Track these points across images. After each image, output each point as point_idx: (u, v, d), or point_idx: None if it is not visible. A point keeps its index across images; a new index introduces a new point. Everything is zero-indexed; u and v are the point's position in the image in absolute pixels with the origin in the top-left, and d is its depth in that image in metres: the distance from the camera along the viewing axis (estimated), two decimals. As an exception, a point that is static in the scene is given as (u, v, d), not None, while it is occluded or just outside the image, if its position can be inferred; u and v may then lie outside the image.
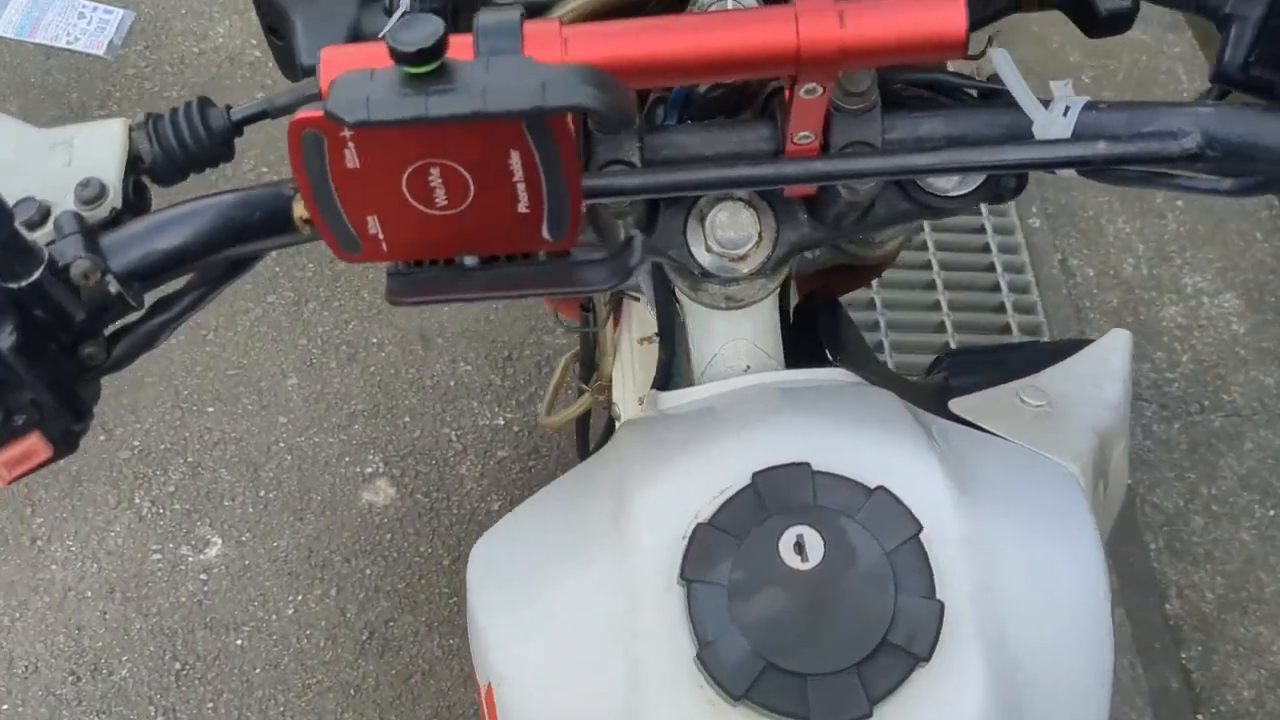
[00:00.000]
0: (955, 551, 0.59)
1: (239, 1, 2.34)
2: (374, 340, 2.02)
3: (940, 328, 2.17)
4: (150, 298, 0.64)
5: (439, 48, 0.46)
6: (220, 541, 1.83)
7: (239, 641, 1.76)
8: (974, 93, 0.63)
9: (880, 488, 0.59)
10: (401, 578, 1.82)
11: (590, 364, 1.43)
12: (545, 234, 0.55)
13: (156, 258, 0.60)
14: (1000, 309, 2.22)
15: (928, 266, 2.24)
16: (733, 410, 0.71)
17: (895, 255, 1.04)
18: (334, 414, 1.95)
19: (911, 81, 0.63)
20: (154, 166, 0.65)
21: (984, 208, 2.35)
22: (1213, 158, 0.55)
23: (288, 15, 0.70)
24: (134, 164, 0.65)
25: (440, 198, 0.53)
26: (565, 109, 0.47)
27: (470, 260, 0.60)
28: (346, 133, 0.49)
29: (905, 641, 0.56)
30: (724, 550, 0.58)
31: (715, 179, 0.60)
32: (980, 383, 0.82)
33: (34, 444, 0.59)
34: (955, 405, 0.76)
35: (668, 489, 0.63)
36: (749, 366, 0.75)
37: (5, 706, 1.69)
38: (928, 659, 0.56)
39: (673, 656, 0.58)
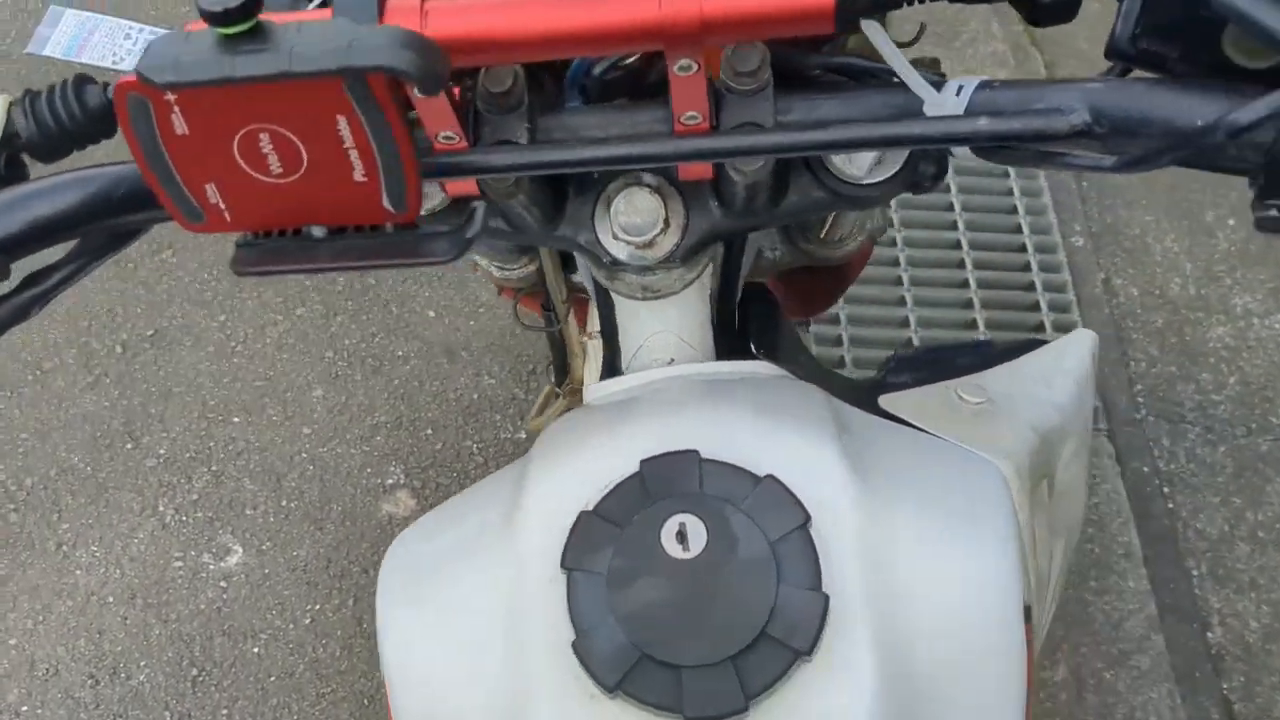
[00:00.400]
0: (848, 545, 0.57)
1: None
2: (399, 353, 2.03)
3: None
4: (23, 271, 0.63)
5: (248, 7, 0.46)
6: (241, 550, 1.84)
7: (255, 649, 1.76)
8: (877, 77, 0.61)
9: (769, 476, 0.58)
10: (418, 589, 1.82)
11: (563, 366, 1.42)
12: (385, 204, 0.54)
13: (21, 228, 0.60)
14: (1039, 329, 2.17)
15: (965, 285, 2.20)
16: (647, 399, 0.70)
17: (863, 257, 1.04)
18: (357, 425, 1.96)
19: (805, 64, 0.61)
20: (30, 142, 0.65)
21: (1024, 223, 2.31)
22: (1099, 134, 0.53)
23: None
24: (9, 140, 0.64)
25: (274, 165, 0.52)
26: (372, 69, 0.46)
27: (318, 231, 0.59)
28: (170, 96, 0.49)
29: (785, 635, 0.54)
30: (605, 538, 0.57)
31: (590, 158, 0.58)
32: (920, 379, 0.79)
33: None
34: (886, 401, 0.74)
35: (560, 479, 0.62)
36: (673, 359, 0.74)
37: (25, 708, 1.71)
38: (809, 653, 0.54)
39: (553, 646, 0.57)
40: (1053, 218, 2.32)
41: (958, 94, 0.56)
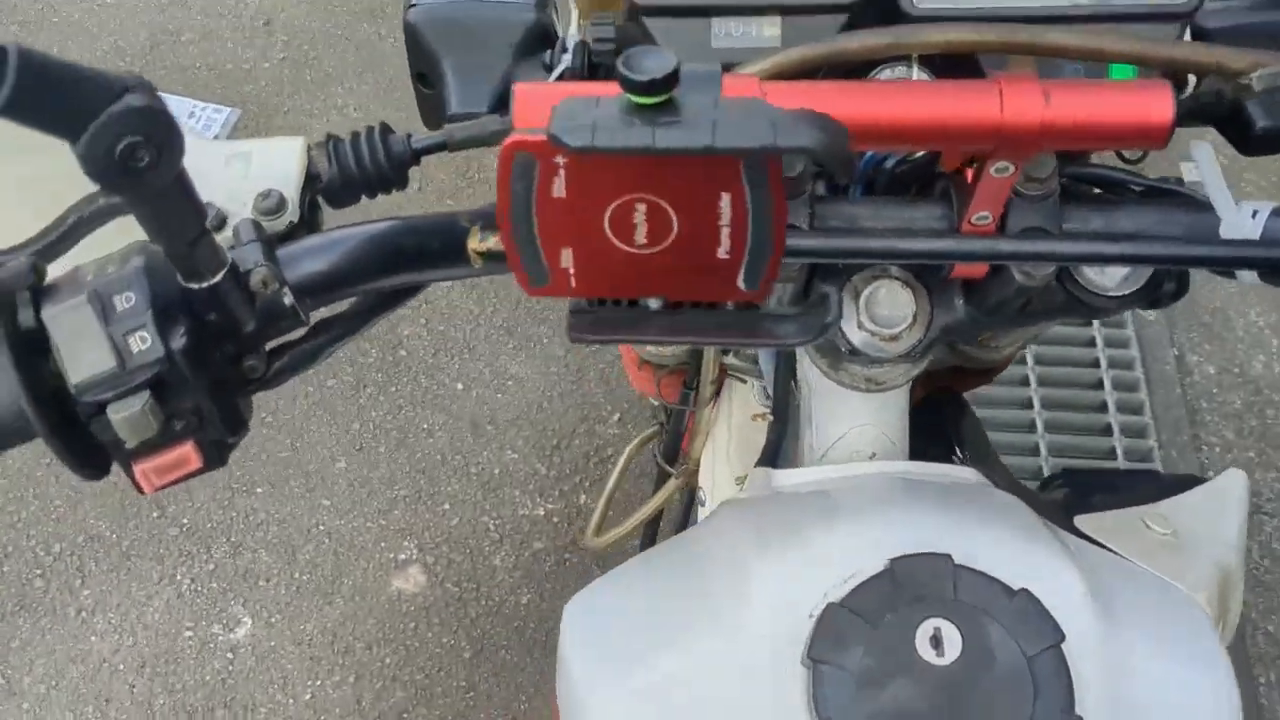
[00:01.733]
0: (1095, 666, 0.57)
1: (336, 99, 2.43)
2: (424, 426, 2.02)
3: (1031, 427, 2.00)
4: (313, 318, 0.65)
5: (672, 79, 0.45)
6: (250, 621, 1.83)
7: (256, 724, 1.75)
8: (1141, 190, 0.62)
9: (1024, 590, 0.57)
10: (421, 669, 1.78)
11: (676, 445, 1.40)
12: (740, 283, 0.54)
13: (329, 275, 0.60)
14: (1102, 408, 2.03)
15: (1022, 360, 2.08)
16: (860, 495, 0.69)
17: (1010, 360, 1.04)
18: (376, 499, 1.94)
19: (1081, 175, 0.62)
20: (330, 186, 0.66)
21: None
22: None
23: (439, 63, 0.72)
24: (312, 182, 0.65)
25: (641, 235, 0.52)
26: (794, 150, 0.46)
27: (654, 303, 0.59)
28: (561, 159, 0.49)
29: None
30: (855, 634, 0.56)
31: (896, 249, 0.58)
32: (1101, 503, 0.80)
33: (187, 452, 0.58)
34: (1080, 522, 0.74)
35: (793, 568, 0.60)
36: (874, 453, 0.74)
37: (30, 774, 1.73)
38: None
39: None
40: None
41: (1253, 216, 0.57)
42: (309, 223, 0.65)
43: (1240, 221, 0.57)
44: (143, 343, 0.54)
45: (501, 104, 0.72)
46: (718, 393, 1.30)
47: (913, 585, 0.57)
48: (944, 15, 0.62)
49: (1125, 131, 0.52)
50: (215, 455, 0.59)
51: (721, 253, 0.52)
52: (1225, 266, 0.58)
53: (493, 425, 2.02)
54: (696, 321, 0.60)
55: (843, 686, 0.55)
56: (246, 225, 0.59)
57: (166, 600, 1.86)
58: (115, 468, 0.58)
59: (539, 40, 0.72)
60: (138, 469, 0.57)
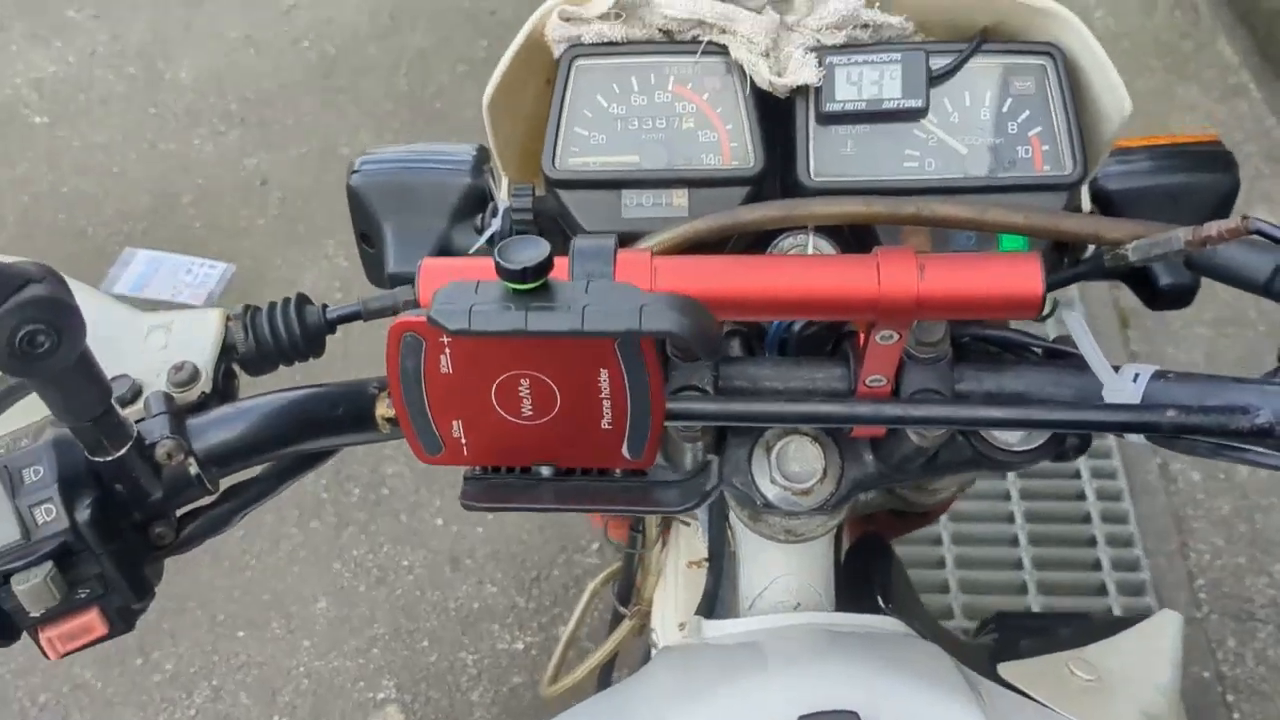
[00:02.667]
0: None
1: (327, 249, 2.51)
2: (405, 563, 2.03)
3: (1014, 541, 1.98)
4: (225, 483, 0.67)
5: (545, 267, 0.49)
6: (229, 767, 1.83)
7: None
8: (1039, 352, 0.65)
9: None
10: (396, 809, 1.76)
11: (630, 586, 1.40)
12: (625, 452, 0.57)
13: (237, 444, 0.63)
14: (1086, 519, 2.00)
15: (1002, 476, 2.06)
16: (781, 647, 0.69)
17: (949, 503, 1.08)
18: (355, 638, 1.94)
19: (982, 336, 0.65)
20: (246, 356, 0.70)
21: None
22: None
23: (380, 225, 0.77)
24: (227, 352, 0.69)
25: (527, 408, 0.55)
26: (658, 333, 0.49)
27: (546, 470, 0.62)
28: (445, 339, 0.53)
29: None
30: None
31: (788, 413, 0.61)
32: (1029, 648, 0.81)
33: (92, 619, 0.60)
34: (1003, 669, 0.75)
35: None
36: (799, 604, 0.75)
37: None
38: None
39: None
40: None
41: (1134, 380, 0.59)
42: (223, 392, 0.68)
43: (1122, 386, 0.59)
44: (48, 514, 0.58)
45: None
46: (665, 535, 1.31)
47: None
48: (838, 189, 0.67)
49: (997, 303, 0.55)
50: (121, 621, 0.62)
51: (604, 424, 0.55)
52: (1109, 431, 0.59)
53: (471, 559, 2.03)
54: (586, 489, 0.62)
55: None
56: (157, 397, 0.63)
57: (147, 748, 1.86)
58: None
59: (476, 202, 0.77)
60: (43, 636, 0.60)
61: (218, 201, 2.66)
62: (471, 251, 0.75)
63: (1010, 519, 2.01)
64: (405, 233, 0.77)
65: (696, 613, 0.81)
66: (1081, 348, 0.60)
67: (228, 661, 1.94)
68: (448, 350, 0.53)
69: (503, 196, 0.74)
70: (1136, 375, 0.59)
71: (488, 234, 0.75)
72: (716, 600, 0.83)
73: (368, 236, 0.78)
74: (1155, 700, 0.80)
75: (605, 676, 1.46)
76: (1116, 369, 0.59)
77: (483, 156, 0.77)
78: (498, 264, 0.49)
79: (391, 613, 1.97)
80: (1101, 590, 1.91)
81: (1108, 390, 0.59)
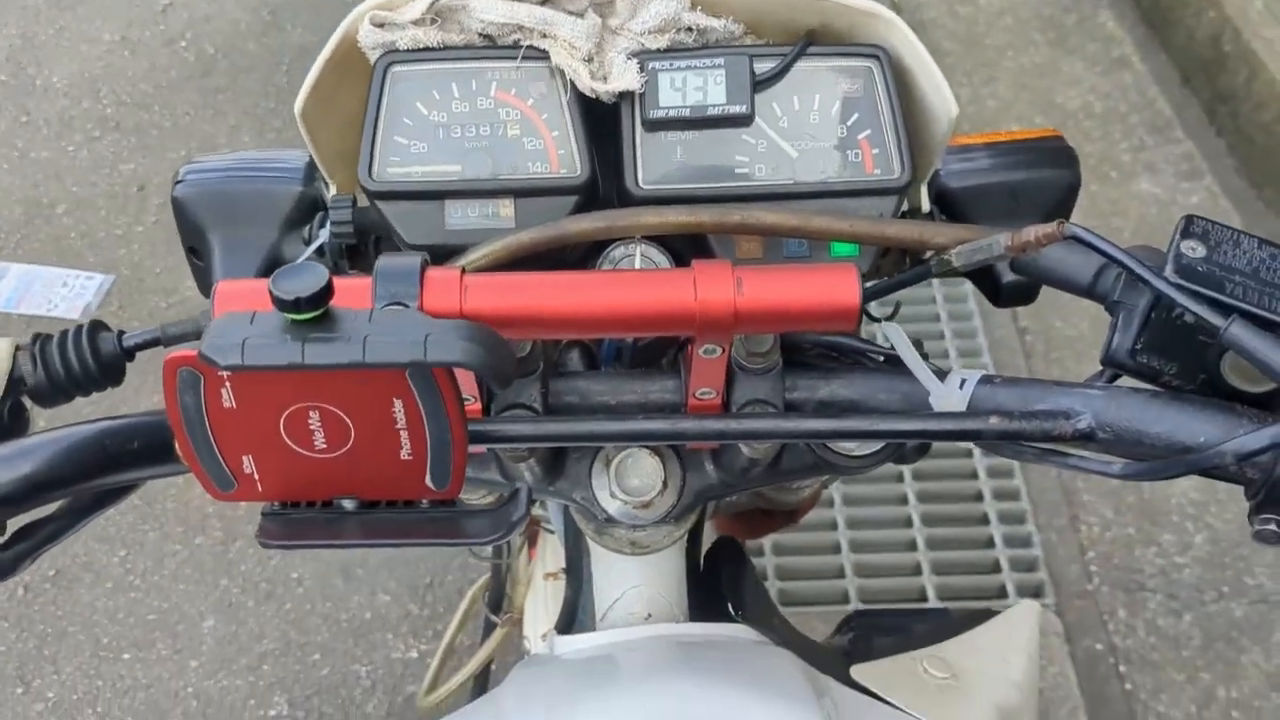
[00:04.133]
0: None
1: (207, 255, 2.45)
2: (294, 575, 1.98)
3: (907, 522, 1.98)
4: (14, 523, 0.63)
5: (321, 296, 0.46)
6: (116, 795, 1.77)
7: None
8: (879, 358, 0.64)
9: None
10: (291, 829, 1.72)
11: (500, 594, 1.38)
12: (428, 482, 0.54)
13: (21, 484, 0.58)
14: (979, 497, 2.02)
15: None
16: (628, 661, 0.68)
17: (815, 500, 1.07)
18: (245, 655, 1.90)
19: (815, 343, 0.65)
20: (37, 389, 0.65)
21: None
22: (1103, 439, 0.55)
23: (207, 237, 0.73)
24: (15, 385, 0.64)
25: (319, 440, 0.52)
26: (444, 364, 0.47)
27: (349, 503, 0.58)
28: (224, 373, 0.49)
29: None
30: None
31: (610, 432, 0.59)
32: (884, 648, 0.80)
33: None
34: (857, 671, 0.75)
35: None
36: (650, 614, 0.74)
37: None
38: None
39: None
40: (987, 356, 2.18)
41: (960, 387, 0.58)
42: (9, 429, 0.64)
43: (948, 393, 0.58)
44: None
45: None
46: (533, 542, 1.29)
47: None
48: (666, 196, 0.65)
49: (815, 314, 0.54)
50: None
51: (404, 454, 0.52)
52: (935, 440, 0.58)
53: (363, 569, 1.99)
54: (391, 522, 0.59)
55: None
56: None
57: (30, 780, 1.80)
58: None
59: (308, 211, 0.74)
60: None
61: (93, 210, 2.58)
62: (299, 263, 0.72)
63: (904, 500, 2.02)
64: (233, 245, 0.73)
65: (556, 625, 0.80)
66: (905, 359, 0.59)
67: (113, 686, 1.88)
68: (228, 384, 0.49)
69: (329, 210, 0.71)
70: (963, 381, 0.58)
71: (315, 245, 0.72)
72: (577, 609, 0.82)
73: (196, 250, 0.75)
74: (1009, 695, 0.80)
75: (481, 685, 1.44)
76: (944, 375, 0.59)
77: (316, 162, 0.74)
78: (271, 293, 0.46)
79: (281, 627, 1.93)
80: (995, 568, 1.93)
81: (934, 398, 0.59)
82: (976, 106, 2.72)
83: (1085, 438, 0.55)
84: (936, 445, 2.08)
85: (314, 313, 0.46)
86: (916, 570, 1.92)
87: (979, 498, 2.01)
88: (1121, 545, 1.97)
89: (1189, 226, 0.55)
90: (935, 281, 2.18)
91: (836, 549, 1.95)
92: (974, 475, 2.05)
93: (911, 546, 1.95)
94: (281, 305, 0.46)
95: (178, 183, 0.75)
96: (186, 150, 2.69)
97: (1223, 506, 2.00)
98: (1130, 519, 2.00)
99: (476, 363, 0.47)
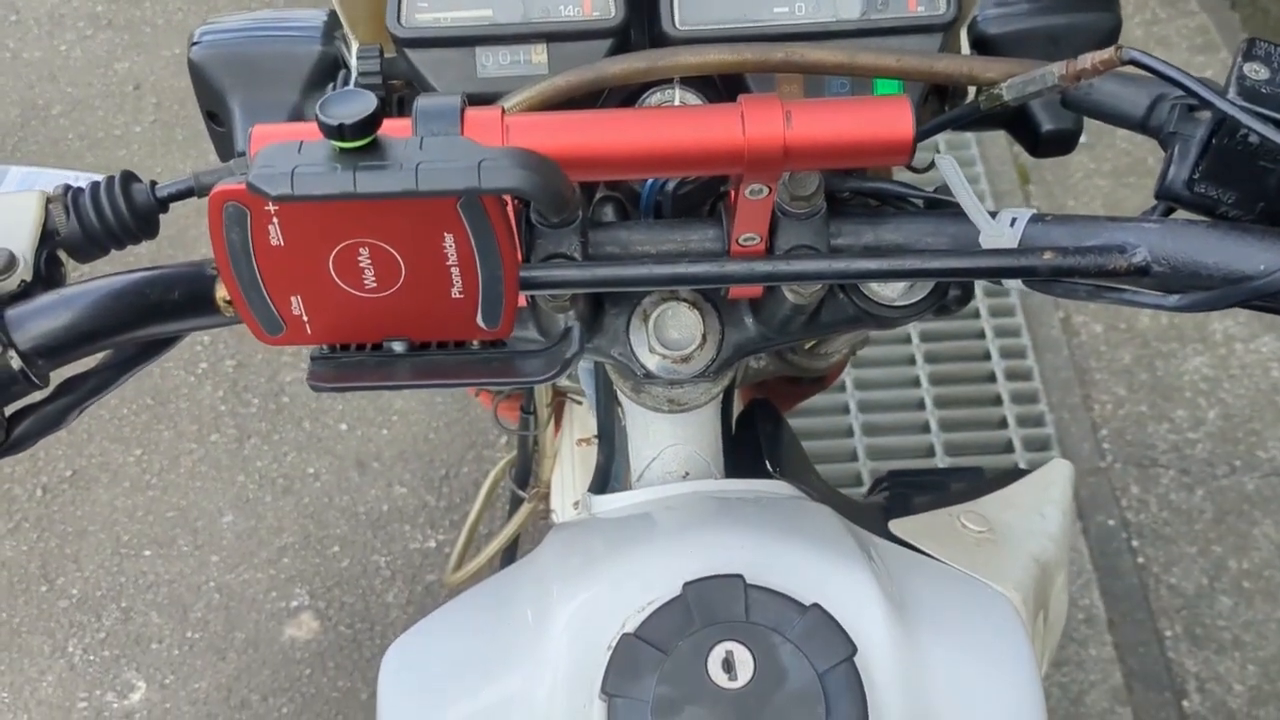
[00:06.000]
0: (890, 676, 0.57)
1: (209, 154, 2.42)
2: (310, 470, 1.99)
3: (920, 405, 1.98)
4: (58, 377, 0.63)
5: (371, 122, 0.44)
6: (144, 686, 1.80)
7: (155, 790, 1.72)
8: (920, 203, 0.62)
9: (815, 605, 0.57)
10: (319, 714, 1.75)
11: (526, 469, 1.39)
12: (479, 322, 0.53)
13: (64, 334, 0.58)
14: (991, 378, 2.02)
15: (907, 337, 2.06)
16: (667, 517, 0.68)
17: (843, 367, 1.07)
18: (264, 549, 1.91)
19: (858, 189, 0.63)
20: (70, 240, 0.64)
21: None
22: (1159, 273, 0.54)
23: (226, 100, 0.72)
24: (49, 237, 0.63)
25: (369, 279, 0.51)
26: (500, 190, 0.46)
27: (399, 345, 0.57)
28: (271, 207, 0.47)
29: None
30: (649, 664, 0.56)
31: (655, 275, 0.57)
32: (921, 505, 0.80)
33: None
34: (895, 526, 0.75)
35: (593, 597, 0.60)
36: (688, 473, 0.74)
37: None
38: None
39: None
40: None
41: (1011, 225, 0.57)
42: (47, 280, 0.62)
43: (999, 231, 0.57)
44: None
45: None
46: (558, 415, 1.29)
47: (705, 609, 0.57)
48: (704, 37, 0.63)
49: (868, 148, 0.53)
50: None
51: (455, 293, 0.51)
52: (985, 277, 0.57)
53: (378, 462, 1.99)
54: (442, 363, 0.58)
55: (638, 718, 0.54)
56: None
57: (59, 674, 1.83)
58: None
59: (329, 71, 0.73)
60: None
61: (90, 110, 2.54)
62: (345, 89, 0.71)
63: (916, 383, 2.02)
64: (254, 107, 0.71)
65: (589, 489, 0.80)
66: (956, 193, 0.58)
67: (135, 582, 1.90)
68: (276, 220, 0.48)
69: (355, 63, 0.69)
70: (1014, 219, 0.57)
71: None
72: (609, 475, 0.82)
73: (215, 115, 0.73)
74: (1046, 548, 0.81)
75: (508, 561, 1.45)
76: (994, 214, 0.58)
77: (334, 22, 0.73)
78: (319, 120, 0.44)
79: (300, 521, 1.94)
80: (1008, 447, 1.93)
81: (984, 236, 0.57)
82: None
83: (1140, 272, 0.54)
84: (948, 325, 2.07)
85: (363, 140, 0.45)
86: (931, 452, 1.93)
87: (991, 378, 2.01)
88: (1134, 422, 1.98)
89: (1251, 49, 0.53)
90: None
91: (850, 432, 1.96)
92: (986, 355, 2.04)
93: (924, 428, 1.96)
94: (329, 132, 0.44)
95: (194, 44, 0.73)
96: (181, 49, 2.64)
97: (1235, 381, 2.00)
98: (1143, 395, 2.00)
99: (533, 188, 0.46)
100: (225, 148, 0.74)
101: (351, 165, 0.45)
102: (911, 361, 2.04)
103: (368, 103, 0.44)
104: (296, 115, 0.71)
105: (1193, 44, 2.48)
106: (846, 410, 1.98)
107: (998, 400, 1.99)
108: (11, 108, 2.56)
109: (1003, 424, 1.96)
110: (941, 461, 1.91)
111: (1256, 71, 0.52)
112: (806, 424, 1.95)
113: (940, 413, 1.97)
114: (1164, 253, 0.53)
